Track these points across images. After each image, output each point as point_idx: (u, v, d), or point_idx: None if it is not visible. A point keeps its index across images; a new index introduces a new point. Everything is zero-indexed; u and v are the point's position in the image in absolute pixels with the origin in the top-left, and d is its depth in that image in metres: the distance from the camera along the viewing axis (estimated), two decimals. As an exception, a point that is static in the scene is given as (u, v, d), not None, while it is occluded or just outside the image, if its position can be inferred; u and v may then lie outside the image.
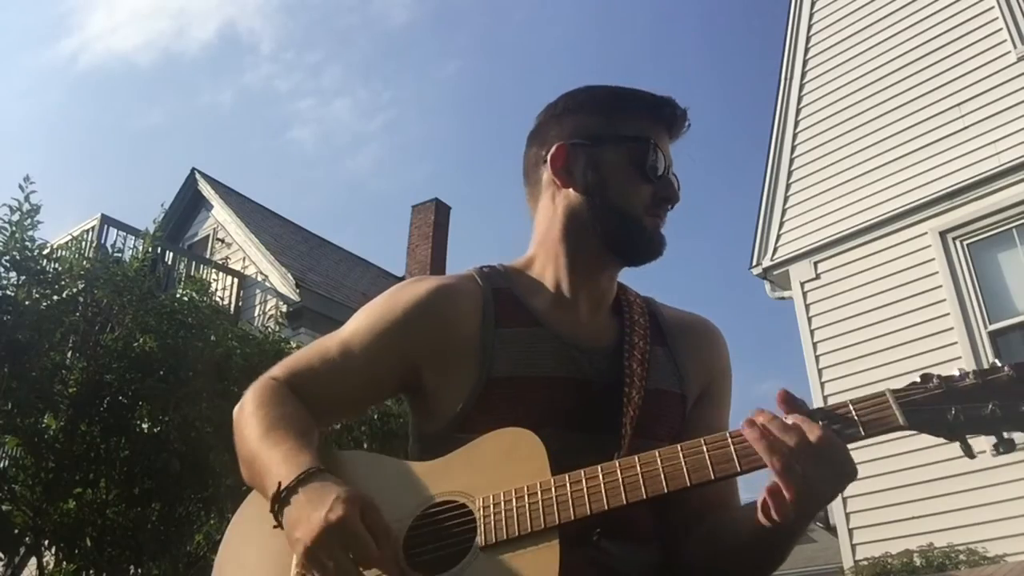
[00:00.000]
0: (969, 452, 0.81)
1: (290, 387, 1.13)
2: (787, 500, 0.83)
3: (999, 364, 0.83)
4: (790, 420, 0.85)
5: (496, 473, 0.96)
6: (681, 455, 0.90)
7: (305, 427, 1.07)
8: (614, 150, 1.14)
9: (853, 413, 0.85)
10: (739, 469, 0.88)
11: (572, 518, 0.89)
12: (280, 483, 0.95)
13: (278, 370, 1.16)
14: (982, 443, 0.84)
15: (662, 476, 0.89)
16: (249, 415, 1.09)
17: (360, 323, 1.15)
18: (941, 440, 0.83)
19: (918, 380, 0.85)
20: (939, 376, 0.84)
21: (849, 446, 0.84)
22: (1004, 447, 0.81)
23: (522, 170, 1.25)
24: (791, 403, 0.88)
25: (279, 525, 0.95)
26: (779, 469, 0.82)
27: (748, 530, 0.94)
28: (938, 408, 0.82)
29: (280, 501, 0.95)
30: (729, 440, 0.89)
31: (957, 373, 0.84)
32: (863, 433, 0.84)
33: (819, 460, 0.82)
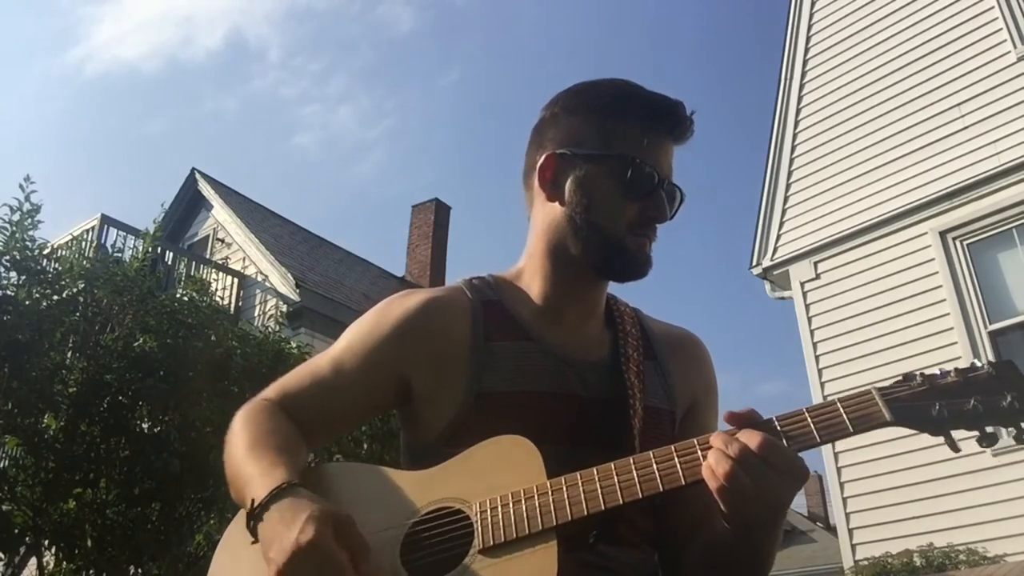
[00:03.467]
0: (954, 446, 0.84)
1: (281, 407, 1.12)
2: (735, 504, 0.86)
3: (978, 364, 0.86)
4: (738, 434, 0.88)
5: (492, 478, 0.96)
6: (675, 455, 0.91)
7: (287, 443, 1.05)
8: (602, 164, 1.10)
9: (841, 411, 0.87)
10: None
11: (569, 519, 0.90)
12: (253, 500, 0.95)
13: (271, 391, 1.16)
14: (973, 443, 0.86)
15: (657, 476, 0.90)
16: (236, 435, 1.09)
17: (351, 339, 1.14)
18: (940, 440, 0.85)
19: (901, 378, 0.88)
20: (922, 374, 0.87)
21: (843, 442, 0.86)
22: (987, 441, 0.84)
23: (522, 171, 1.22)
24: (738, 419, 0.90)
25: (256, 541, 0.94)
26: (723, 475, 0.85)
27: (730, 536, 0.95)
28: (922, 404, 0.85)
29: (254, 518, 0.94)
30: None
31: (938, 372, 0.87)
32: (851, 429, 0.86)
33: (764, 467, 0.84)
